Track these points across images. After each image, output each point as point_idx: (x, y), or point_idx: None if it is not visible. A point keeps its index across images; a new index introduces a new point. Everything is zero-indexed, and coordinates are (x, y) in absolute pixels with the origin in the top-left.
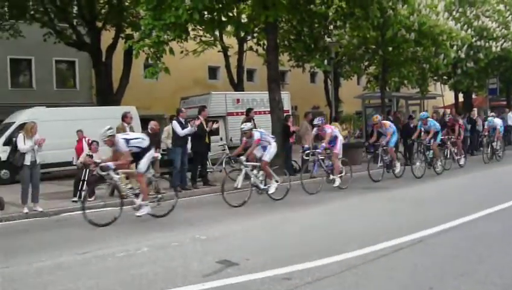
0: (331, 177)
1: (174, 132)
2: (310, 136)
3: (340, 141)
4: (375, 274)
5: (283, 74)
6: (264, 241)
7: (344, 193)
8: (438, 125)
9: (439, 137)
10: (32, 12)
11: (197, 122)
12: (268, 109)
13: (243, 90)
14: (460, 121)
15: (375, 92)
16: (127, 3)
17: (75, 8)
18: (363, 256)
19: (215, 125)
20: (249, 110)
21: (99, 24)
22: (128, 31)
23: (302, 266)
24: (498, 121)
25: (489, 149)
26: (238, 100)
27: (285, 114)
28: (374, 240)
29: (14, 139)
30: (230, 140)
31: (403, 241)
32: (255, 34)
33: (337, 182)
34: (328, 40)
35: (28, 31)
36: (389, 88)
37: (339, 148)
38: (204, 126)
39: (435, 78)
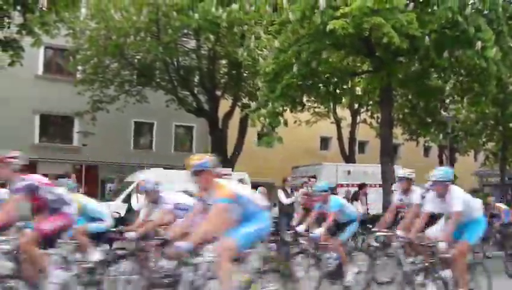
0: None
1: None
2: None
3: None
4: None
5: (396, 147)
6: None
7: None
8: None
9: None
10: (158, 80)
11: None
12: (380, 183)
13: (354, 162)
14: None
15: (494, 170)
16: (245, 75)
17: (197, 78)
18: None
19: None
20: (363, 185)
21: (219, 93)
22: (245, 100)
23: None
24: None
25: None
26: (349, 172)
27: None
28: None
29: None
30: None
31: None
32: (369, 107)
33: None
34: (444, 114)
35: (152, 97)
36: (510, 166)
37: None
38: None
39: None
